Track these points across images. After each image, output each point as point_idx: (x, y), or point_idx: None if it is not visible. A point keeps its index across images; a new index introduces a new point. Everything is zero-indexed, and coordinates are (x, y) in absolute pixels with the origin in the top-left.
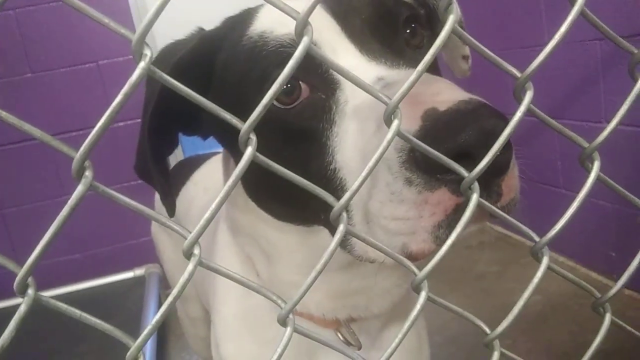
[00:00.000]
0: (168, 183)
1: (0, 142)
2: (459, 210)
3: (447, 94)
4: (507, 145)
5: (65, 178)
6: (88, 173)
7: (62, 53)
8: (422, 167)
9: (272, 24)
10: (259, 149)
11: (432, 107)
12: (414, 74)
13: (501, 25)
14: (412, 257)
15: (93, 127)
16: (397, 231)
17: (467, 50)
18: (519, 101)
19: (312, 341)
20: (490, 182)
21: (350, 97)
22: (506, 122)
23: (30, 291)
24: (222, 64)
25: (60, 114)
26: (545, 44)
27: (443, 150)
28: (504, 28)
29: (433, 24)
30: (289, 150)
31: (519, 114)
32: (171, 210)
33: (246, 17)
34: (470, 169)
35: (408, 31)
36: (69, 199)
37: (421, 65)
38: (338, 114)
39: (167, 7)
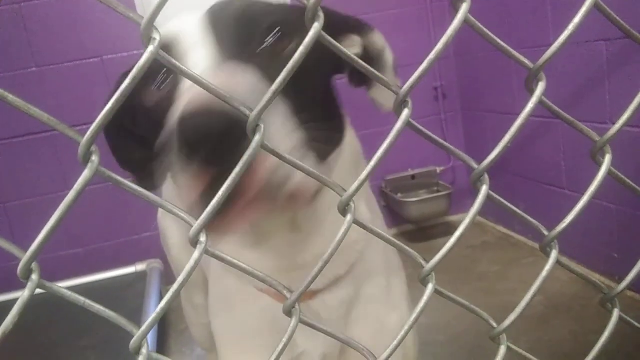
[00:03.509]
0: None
1: (3, 136)
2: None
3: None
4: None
5: (68, 173)
6: (94, 158)
7: (67, 48)
8: None
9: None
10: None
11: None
12: (424, 63)
13: (506, 25)
14: None
15: None
16: None
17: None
18: (531, 93)
19: (277, 312)
20: None
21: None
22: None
23: (34, 276)
24: None
25: (65, 108)
26: (552, 43)
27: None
28: (509, 27)
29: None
30: None
31: (530, 105)
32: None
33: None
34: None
35: (271, 38)
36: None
37: (433, 53)
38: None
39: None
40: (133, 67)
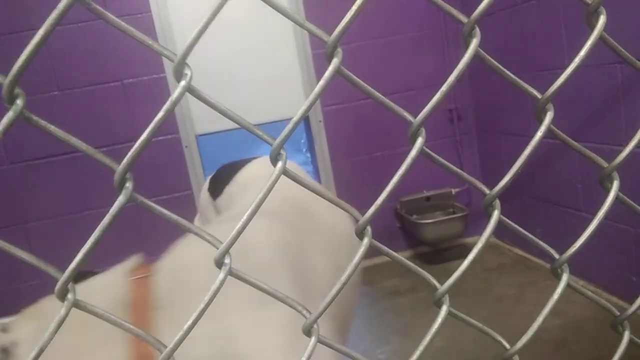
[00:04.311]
0: None
1: (24, 158)
2: None
3: None
4: None
5: (87, 194)
6: (129, 184)
7: (88, 72)
8: None
9: None
10: None
11: None
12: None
13: (522, 49)
14: None
15: (119, 143)
16: None
17: None
18: (540, 122)
19: None
20: None
21: None
22: None
23: (70, 296)
24: None
25: (87, 130)
26: (566, 66)
27: None
28: (525, 51)
29: None
30: None
31: (539, 134)
32: None
33: None
34: None
35: None
36: (89, 214)
37: (445, 86)
38: None
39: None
40: None
